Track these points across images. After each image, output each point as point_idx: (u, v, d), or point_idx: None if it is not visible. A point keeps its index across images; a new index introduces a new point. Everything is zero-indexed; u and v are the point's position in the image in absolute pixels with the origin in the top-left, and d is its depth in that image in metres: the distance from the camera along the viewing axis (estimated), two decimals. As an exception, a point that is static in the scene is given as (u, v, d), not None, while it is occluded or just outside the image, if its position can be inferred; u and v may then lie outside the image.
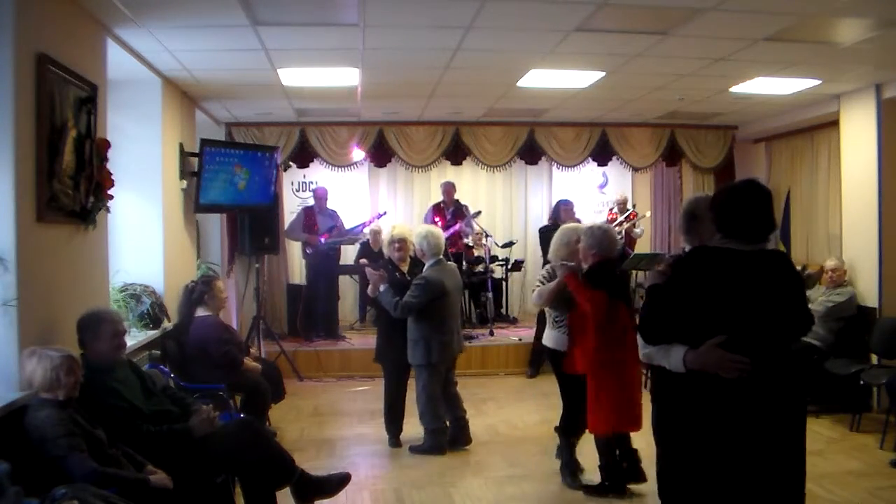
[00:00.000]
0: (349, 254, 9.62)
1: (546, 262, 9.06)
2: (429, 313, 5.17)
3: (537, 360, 7.92)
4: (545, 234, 7.95)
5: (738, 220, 2.70)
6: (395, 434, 5.58)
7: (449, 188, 9.13)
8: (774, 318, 2.63)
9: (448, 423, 5.47)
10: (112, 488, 2.85)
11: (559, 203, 7.99)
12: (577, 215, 8.03)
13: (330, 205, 8.90)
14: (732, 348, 2.58)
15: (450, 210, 9.00)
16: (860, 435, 5.64)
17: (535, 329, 7.90)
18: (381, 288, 5.19)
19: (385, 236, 5.75)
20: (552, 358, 4.75)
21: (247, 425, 3.98)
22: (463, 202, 9.17)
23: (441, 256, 5.35)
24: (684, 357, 2.67)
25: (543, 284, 4.66)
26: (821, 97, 6.95)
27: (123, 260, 5.23)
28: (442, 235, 5.49)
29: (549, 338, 4.71)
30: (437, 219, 8.83)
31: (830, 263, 6.49)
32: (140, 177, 5.36)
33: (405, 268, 5.48)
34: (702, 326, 2.63)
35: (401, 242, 5.45)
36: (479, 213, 9.19)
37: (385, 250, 5.64)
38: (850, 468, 4.92)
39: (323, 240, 8.53)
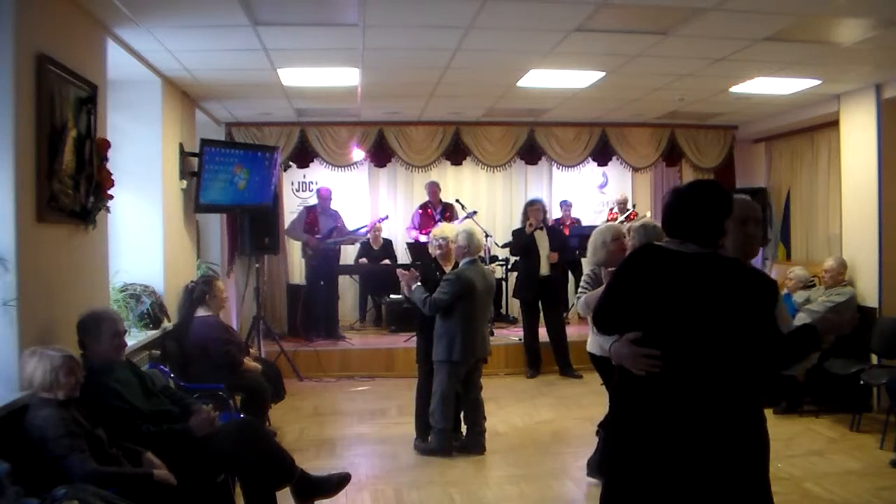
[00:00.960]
0: (349, 254, 9.63)
1: (508, 260, 9.18)
2: (455, 311, 5.13)
3: (535, 359, 7.93)
4: (515, 236, 8.01)
5: (675, 221, 2.65)
6: (424, 433, 5.43)
7: (434, 188, 9.15)
8: (703, 323, 2.51)
9: (465, 427, 5.41)
10: (112, 488, 2.85)
11: (527, 204, 8.00)
12: (547, 214, 8.05)
13: (332, 205, 8.91)
14: (653, 346, 2.54)
15: (437, 210, 9.01)
16: (860, 435, 5.64)
17: (528, 328, 7.96)
18: (413, 286, 5.20)
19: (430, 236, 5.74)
20: (599, 364, 4.46)
21: (247, 425, 3.98)
22: (462, 202, 9.17)
23: (477, 257, 5.31)
24: (610, 348, 2.69)
25: (588, 291, 4.41)
26: (821, 97, 6.95)
27: (123, 260, 5.22)
28: (483, 237, 5.44)
29: (595, 344, 4.38)
30: (424, 220, 8.87)
31: (827, 264, 6.51)
32: (140, 177, 5.35)
33: (448, 267, 5.41)
34: (633, 320, 2.63)
35: (444, 241, 5.41)
36: (475, 212, 9.18)
37: (430, 250, 5.62)
38: (850, 468, 4.91)
39: (326, 238, 8.54)
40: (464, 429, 5.48)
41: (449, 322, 5.16)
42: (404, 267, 5.48)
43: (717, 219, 2.61)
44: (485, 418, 5.43)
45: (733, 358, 2.50)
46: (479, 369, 5.46)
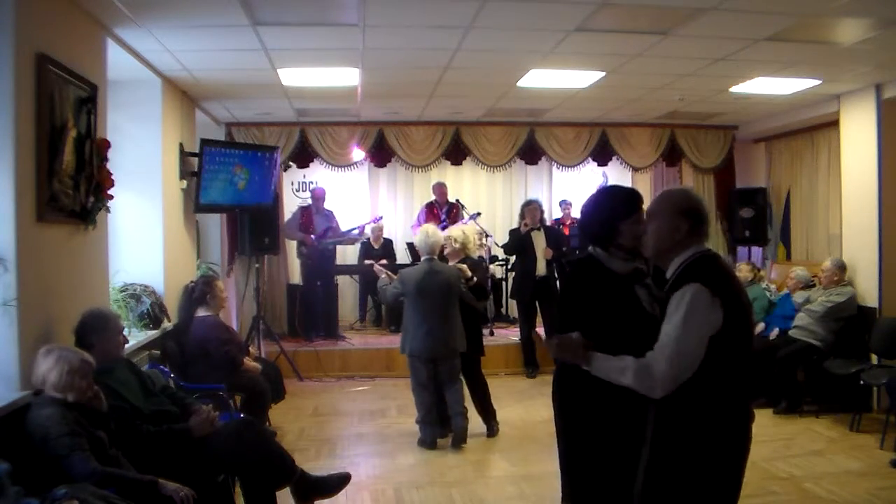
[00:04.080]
0: (348, 254, 9.62)
1: (507, 261, 9.19)
2: (407, 306, 5.42)
3: (533, 358, 7.93)
4: (511, 235, 8.02)
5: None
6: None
7: (442, 188, 9.19)
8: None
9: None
10: (111, 488, 2.85)
11: (523, 205, 8.03)
12: (544, 214, 8.10)
13: (330, 205, 8.91)
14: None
15: (443, 210, 9.02)
16: (860, 435, 5.64)
17: (525, 327, 7.97)
18: (380, 276, 5.63)
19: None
20: None
21: (247, 425, 3.98)
22: (463, 202, 9.18)
23: (433, 256, 5.44)
24: None
25: None
26: (821, 97, 6.95)
27: (123, 260, 5.23)
28: (439, 238, 5.57)
29: None
30: (429, 219, 8.85)
31: (824, 265, 6.52)
32: (140, 177, 5.35)
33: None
34: None
35: (446, 240, 5.67)
36: (479, 214, 9.19)
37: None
38: (850, 468, 4.92)
39: (321, 237, 8.55)
40: None
41: (404, 316, 5.51)
42: (397, 267, 5.66)
43: (598, 222, 2.74)
44: (461, 414, 5.45)
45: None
46: (451, 366, 5.45)
